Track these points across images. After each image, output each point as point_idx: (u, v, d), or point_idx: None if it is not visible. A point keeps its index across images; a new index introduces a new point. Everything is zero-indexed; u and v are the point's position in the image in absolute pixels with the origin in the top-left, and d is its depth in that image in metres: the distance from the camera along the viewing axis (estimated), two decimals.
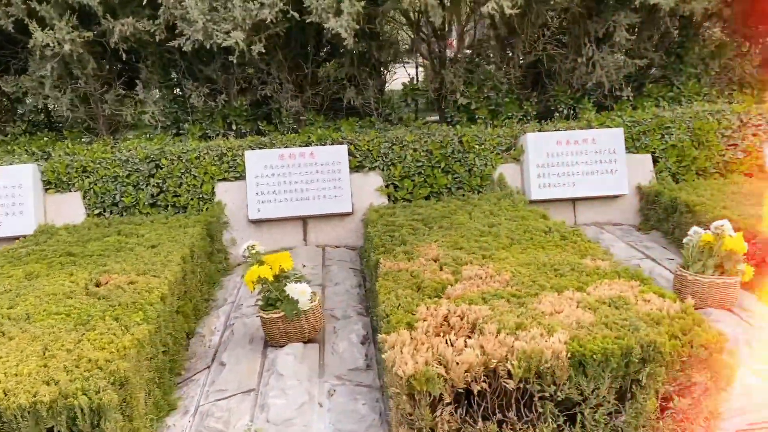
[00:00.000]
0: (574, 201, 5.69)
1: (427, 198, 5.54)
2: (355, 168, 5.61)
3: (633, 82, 6.61)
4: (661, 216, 5.26)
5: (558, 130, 5.72)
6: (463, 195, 5.52)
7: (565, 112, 6.52)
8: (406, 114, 6.50)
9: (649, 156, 5.75)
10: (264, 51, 5.32)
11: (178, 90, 6.66)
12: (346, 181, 5.43)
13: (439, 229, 4.39)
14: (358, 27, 5.17)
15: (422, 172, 5.58)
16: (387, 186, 5.59)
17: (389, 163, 5.60)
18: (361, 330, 3.64)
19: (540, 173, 5.54)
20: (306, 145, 5.54)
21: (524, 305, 2.93)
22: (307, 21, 5.09)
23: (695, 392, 2.59)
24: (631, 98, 6.38)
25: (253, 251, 3.46)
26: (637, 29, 6.15)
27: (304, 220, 5.51)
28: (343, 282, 4.50)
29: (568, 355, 2.50)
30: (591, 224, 5.64)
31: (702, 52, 6.57)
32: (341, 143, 5.59)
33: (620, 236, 5.19)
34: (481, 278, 3.34)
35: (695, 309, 3.64)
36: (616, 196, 5.65)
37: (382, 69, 6.54)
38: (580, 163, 5.56)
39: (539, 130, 5.75)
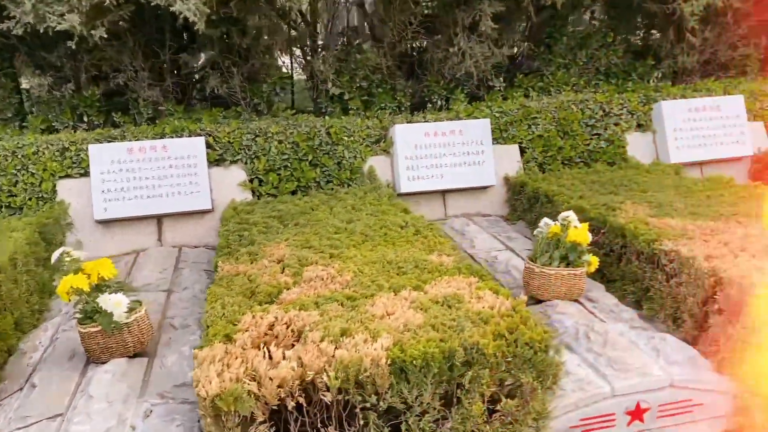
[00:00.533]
0: (444, 193, 5.63)
1: (293, 193, 5.30)
2: (215, 162, 5.28)
3: (505, 73, 6.65)
4: (526, 206, 5.29)
5: (427, 121, 5.63)
6: (332, 189, 5.32)
7: (440, 102, 6.47)
8: (276, 104, 6.21)
9: (516, 146, 5.78)
10: (109, 36, 4.88)
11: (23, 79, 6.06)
12: (203, 175, 5.09)
13: (295, 226, 4.17)
14: (209, 11, 4.83)
15: (288, 165, 5.32)
16: (251, 180, 5.30)
17: (253, 156, 5.30)
18: (198, 341, 3.36)
19: (409, 165, 5.43)
20: (159, 138, 5.15)
21: (357, 308, 2.77)
22: (152, 4, 4.69)
23: (523, 393, 2.52)
24: (502, 89, 6.42)
25: (67, 258, 3.10)
26: (505, 19, 6.15)
27: (159, 218, 5.12)
28: (192, 286, 4.18)
29: (389, 362, 2.35)
30: (461, 216, 5.60)
31: (569, 43, 6.70)
32: (199, 135, 5.24)
33: (486, 227, 5.17)
34: (322, 280, 3.15)
35: (544, 301, 3.67)
36: (485, 188, 5.64)
37: (249, 57, 6.21)
38: (448, 155, 5.49)
39: (408, 122, 5.64)
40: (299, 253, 3.55)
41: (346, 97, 6.20)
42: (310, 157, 5.35)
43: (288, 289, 3.05)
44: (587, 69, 6.78)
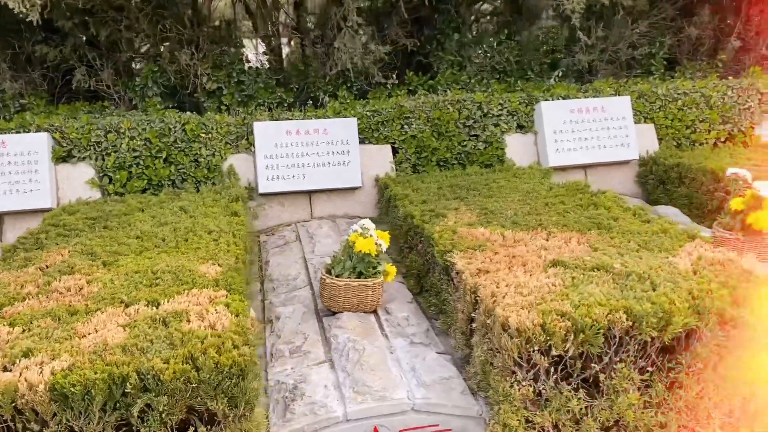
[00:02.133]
0: (310, 194, 5.43)
1: (144, 191, 5.10)
2: (63, 158, 5.07)
3: (394, 70, 6.45)
4: (387, 209, 5.10)
5: (289, 119, 5.43)
6: (185, 189, 5.12)
7: (326, 99, 6.26)
8: (149, 99, 5.99)
9: (388, 147, 5.58)
10: None
11: None
12: (45, 173, 4.88)
13: (104, 229, 3.97)
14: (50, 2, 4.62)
15: (140, 162, 5.12)
16: (101, 178, 5.10)
17: (103, 153, 5.10)
18: None
19: (268, 165, 5.23)
20: (3, 134, 4.94)
21: (68, 324, 2.57)
22: None
23: (218, 420, 2.33)
24: (389, 86, 6.21)
25: None
26: (383, 14, 5.95)
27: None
28: None
29: (48, 388, 2.16)
30: (327, 217, 5.41)
31: (462, 40, 6.49)
32: (46, 131, 5.03)
33: (343, 230, 4.98)
34: (68, 291, 2.96)
35: (334, 313, 3.48)
36: (353, 189, 5.44)
37: (118, 50, 5.98)
38: (311, 155, 5.29)
39: (272, 119, 5.44)
40: (75, 260, 3.35)
41: (224, 92, 5.99)
42: (164, 155, 5.14)
43: (22, 300, 2.85)
44: (483, 67, 6.58)
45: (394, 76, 6.36)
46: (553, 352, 2.37)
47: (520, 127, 5.77)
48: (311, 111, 5.61)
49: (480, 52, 6.45)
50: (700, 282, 2.66)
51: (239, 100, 6.00)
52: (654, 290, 2.60)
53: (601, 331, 2.38)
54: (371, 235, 3.37)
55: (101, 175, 5.08)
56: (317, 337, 3.26)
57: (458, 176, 5.25)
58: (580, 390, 2.46)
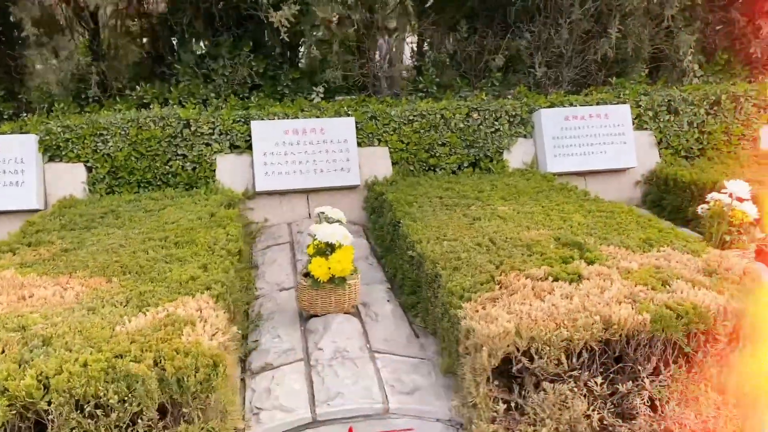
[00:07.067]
0: None
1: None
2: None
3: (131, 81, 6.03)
4: None
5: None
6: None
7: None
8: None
9: (81, 166, 5.14)
10: None
11: None
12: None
13: None
14: None
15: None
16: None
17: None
18: None
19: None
20: None
21: None
22: None
23: None
24: (117, 98, 5.80)
25: None
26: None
27: None
28: None
29: None
30: None
31: (208, 52, 6.11)
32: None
33: None
34: None
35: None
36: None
37: None
38: None
39: None
40: None
41: None
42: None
43: None
44: (231, 81, 6.18)
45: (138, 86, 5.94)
46: None
47: (235, 147, 5.39)
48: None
49: (221, 65, 6.06)
50: None
51: None
52: None
53: None
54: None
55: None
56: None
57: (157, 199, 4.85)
58: None
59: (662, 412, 2.73)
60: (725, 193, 3.85)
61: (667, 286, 2.87)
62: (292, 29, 5.42)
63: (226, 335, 2.66)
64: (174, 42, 6.14)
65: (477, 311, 2.70)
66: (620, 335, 2.60)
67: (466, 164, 5.64)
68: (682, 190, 5.31)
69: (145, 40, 6.44)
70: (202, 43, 6.08)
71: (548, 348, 2.53)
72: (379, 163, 5.54)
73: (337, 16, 5.12)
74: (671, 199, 5.47)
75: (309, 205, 5.42)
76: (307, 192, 5.42)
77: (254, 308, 3.80)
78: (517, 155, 5.76)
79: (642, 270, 3.03)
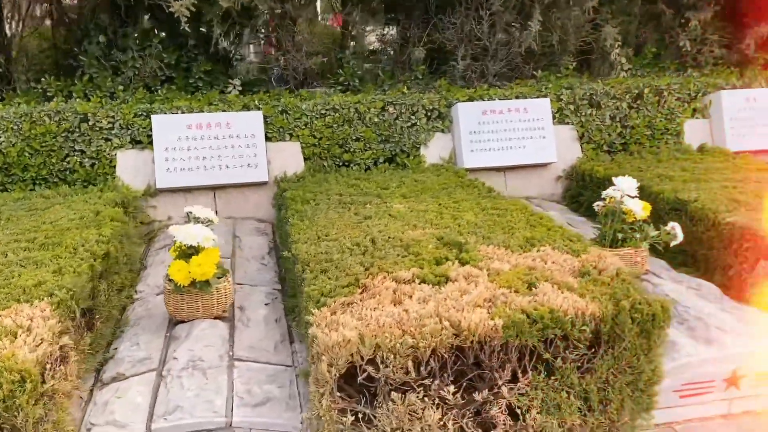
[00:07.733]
0: None
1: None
2: None
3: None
4: None
5: None
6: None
7: None
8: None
9: None
10: None
11: None
12: None
13: None
14: None
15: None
16: None
17: None
18: None
19: None
20: None
21: None
22: None
23: None
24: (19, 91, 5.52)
25: None
26: None
27: None
28: None
29: None
30: None
31: (116, 43, 5.86)
32: None
33: None
34: None
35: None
36: None
37: None
38: None
39: None
40: None
41: None
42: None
43: None
44: (144, 74, 5.93)
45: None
46: None
47: (136, 142, 5.16)
48: None
49: (131, 57, 5.81)
50: None
51: None
52: None
53: None
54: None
55: None
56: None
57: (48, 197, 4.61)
58: None
59: (523, 421, 2.63)
60: (617, 190, 3.76)
61: (533, 289, 2.76)
62: (203, 19, 5.22)
63: (54, 346, 2.48)
64: (79, 33, 5.86)
65: (326, 318, 2.56)
66: (472, 341, 2.48)
67: (382, 160, 5.50)
68: (597, 186, 5.24)
69: (51, 31, 6.16)
70: (109, 34, 5.79)
71: (393, 356, 2.40)
72: (290, 158, 5.36)
73: (240, 5, 4.92)
74: (588, 195, 5.41)
75: (216, 202, 5.22)
76: (214, 189, 5.22)
77: (129, 313, 3.61)
78: (434, 150, 5.63)
79: (511, 272, 2.92)
